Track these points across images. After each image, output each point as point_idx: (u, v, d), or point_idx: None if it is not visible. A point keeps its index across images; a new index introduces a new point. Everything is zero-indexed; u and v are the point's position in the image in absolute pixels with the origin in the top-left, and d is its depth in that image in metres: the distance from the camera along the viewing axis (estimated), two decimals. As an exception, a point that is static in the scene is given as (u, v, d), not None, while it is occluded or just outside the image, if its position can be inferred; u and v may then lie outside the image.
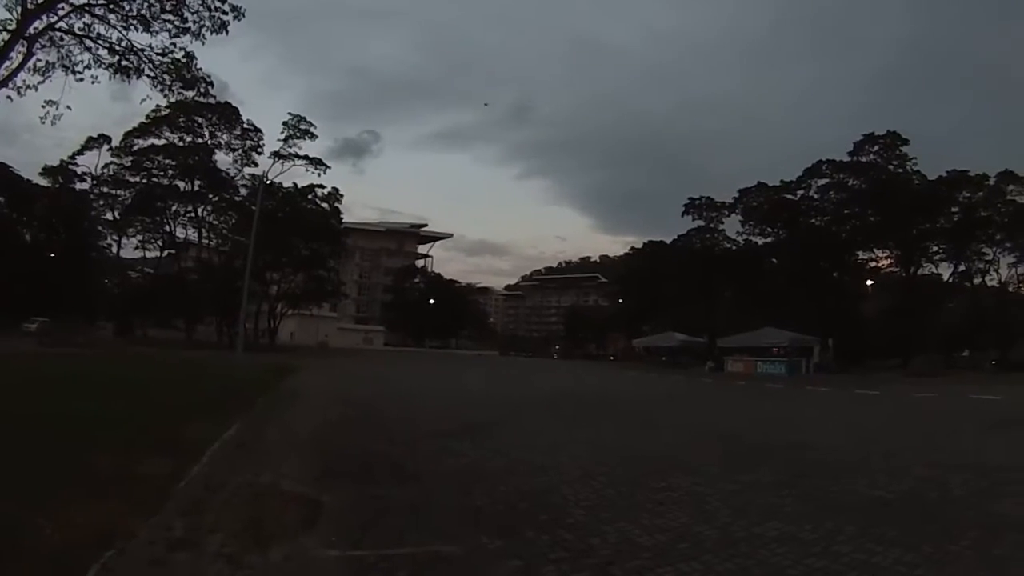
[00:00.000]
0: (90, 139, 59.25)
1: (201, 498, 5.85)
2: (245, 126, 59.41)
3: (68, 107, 18.95)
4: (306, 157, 56.81)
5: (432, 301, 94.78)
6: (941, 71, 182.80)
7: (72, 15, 18.10)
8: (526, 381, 31.60)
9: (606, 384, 31.07)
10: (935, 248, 54.60)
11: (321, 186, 61.22)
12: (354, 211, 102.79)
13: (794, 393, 26.65)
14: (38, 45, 17.87)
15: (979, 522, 5.89)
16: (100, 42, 18.58)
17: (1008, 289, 55.34)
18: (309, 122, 56.55)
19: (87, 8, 18.15)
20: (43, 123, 19.07)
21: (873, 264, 58.54)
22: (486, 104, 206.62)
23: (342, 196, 63.15)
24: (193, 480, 6.51)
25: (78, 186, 59.59)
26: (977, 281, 55.27)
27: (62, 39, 18.35)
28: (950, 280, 56.11)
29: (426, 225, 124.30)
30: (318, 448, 9.34)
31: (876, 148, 54.75)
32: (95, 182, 59.95)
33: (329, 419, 12.98)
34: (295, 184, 60.97)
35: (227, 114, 58.11)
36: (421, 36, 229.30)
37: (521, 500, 6.53)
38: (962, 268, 54.84)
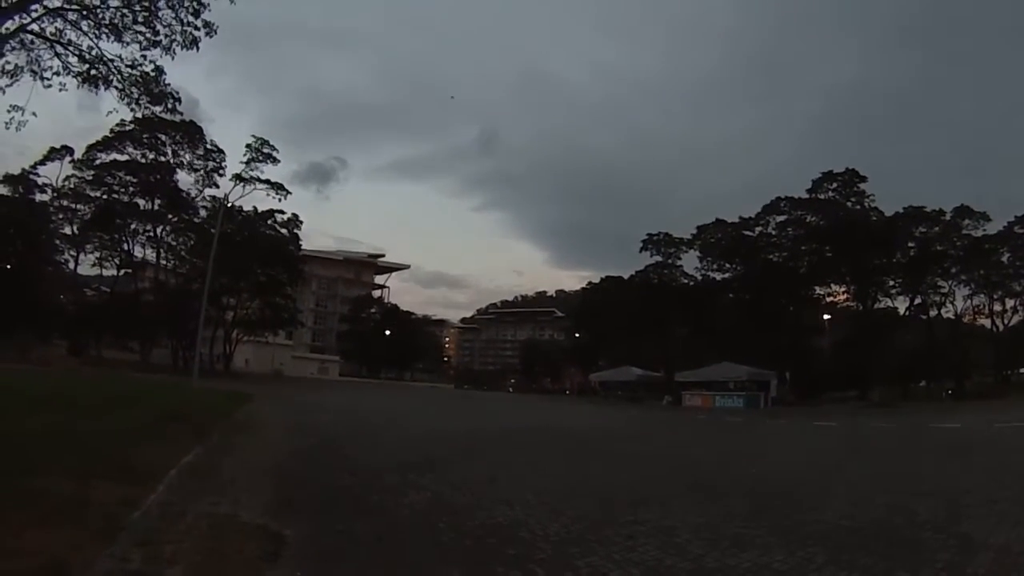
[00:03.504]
0: (53, 150, 57.73)
1: (158, 528, 5.60)
2: (208, 146, 58.72)
3: (34, 114, 18.44)
4: (267, 182, 56.36)
5: (388, 332, 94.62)
6: (886, 113, 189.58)
7: (45, 18, 17.76)
8: (484, 414, 31.26)
9: (565, 419, 30.75)
10: (891, 282, 55.76)
11: (281, 211, 61.29)
12: (312, 239, 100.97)
13: (754, 426, 26.87)
14: (8, 47, 17.44)
15: (949, 544, 5.95)
16: (71, 48, 18.25)
17: (963, 320, 56.73)
18: (272, 146, 56.19)
19: (60, 12, 17.81)
20: (7, 129, 18.47)
21: (830, 298, 59.69)
22: (452, 97, 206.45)
23: (301, 222, 63.35)
24: (149, 508, 6.24)
25: (38, 197, 57.94)
26: (933, 313, 56.49)
27: (33, 42, 17.99)
28: (906, 313, 57.15)
29: (384, 255, 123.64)
30: (278, 479, 9.10)
31: (835, 185, 55.87)
32: (55, 194, 58.33)
33: (288, 449, 12.72)
34: (255, 208, 60.71)
35: (191, 133, 57.25)
36: (382, 64, 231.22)
37: (488, 535, 6.40)
38: (918, 301, 56.00)
